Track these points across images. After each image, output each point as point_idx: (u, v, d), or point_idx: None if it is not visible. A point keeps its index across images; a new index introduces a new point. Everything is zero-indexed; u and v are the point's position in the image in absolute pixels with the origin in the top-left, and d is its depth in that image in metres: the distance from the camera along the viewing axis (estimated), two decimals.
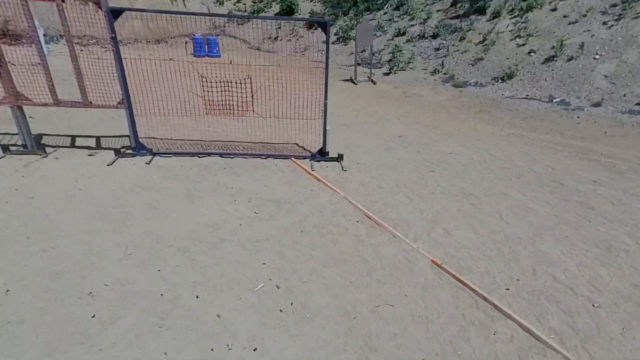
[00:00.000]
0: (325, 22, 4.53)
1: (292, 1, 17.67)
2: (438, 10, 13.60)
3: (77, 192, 3.82)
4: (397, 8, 14.78)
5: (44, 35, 12.14)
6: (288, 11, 17.82)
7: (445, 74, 10.84)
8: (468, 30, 11.77)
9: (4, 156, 4.50)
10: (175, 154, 4.97)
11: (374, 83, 10.68)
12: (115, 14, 4.22)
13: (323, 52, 4.86)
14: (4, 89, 4.33)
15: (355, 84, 10.65)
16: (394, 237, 3.52)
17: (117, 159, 4.64)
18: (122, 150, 4.80)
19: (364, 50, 13.38)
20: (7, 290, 2.52)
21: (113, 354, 2.13)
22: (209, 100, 4.92)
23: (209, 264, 2.96)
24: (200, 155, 4.97)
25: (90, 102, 4.58)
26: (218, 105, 4.96)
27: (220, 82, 4.97)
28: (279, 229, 3.56)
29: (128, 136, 4.85)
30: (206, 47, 14.62)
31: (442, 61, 11.37)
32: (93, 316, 2.38)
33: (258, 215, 3.74)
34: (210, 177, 4.49)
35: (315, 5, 18.03)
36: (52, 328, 2.27)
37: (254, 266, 2.99)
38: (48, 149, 4.76)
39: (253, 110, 5.10)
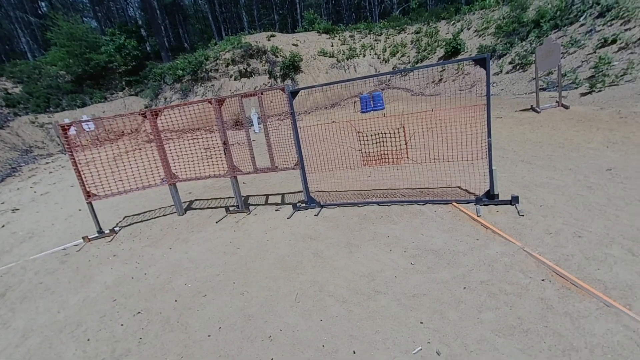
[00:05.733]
0: (483, 58, 4.19)
1: (457, 42, 17.43)
2: None
3: (266, 243, 4.67)
4: (601, 15, 12.62)
5: (258, 118, 16.41)
6: (453, 52, 17.61)
7: None
8: None
9: (227, 215, 6.07)
10: (339, 205, 5.41)
11: (566, 107, 8.75)
12: (293, 94, 5.24)
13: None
14: (227, 165, 5.99)
15: (538, 112, 9.03)
16: (607, 307, 2.57)
17: (294, 212, 5.48)
18: (297, 204, 5.66)
19: (550, 73, 11.53)
20: (220, 328, 3.17)
21: None
22: (366, 153, 5.26)
23: (364, 317, 2.95)
24: (359, 205, 5.23)
25: (276, 166, 5.70)
26: (373, 156, 5.22)
27: (375, 134, 5.27)
28: (438, 283, 3.22)
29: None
30: (372, 102, 16.09)
31: None
32: (272, 359, 2.69)
33: (414, 267, 3.52)
34: (368, 225, 4.59)
35: (484, 39, 17.08)
36: None
37: (410, 324, 2.78)
38: (251, 207, 6.13)
39: (407, 157, 5.08)
